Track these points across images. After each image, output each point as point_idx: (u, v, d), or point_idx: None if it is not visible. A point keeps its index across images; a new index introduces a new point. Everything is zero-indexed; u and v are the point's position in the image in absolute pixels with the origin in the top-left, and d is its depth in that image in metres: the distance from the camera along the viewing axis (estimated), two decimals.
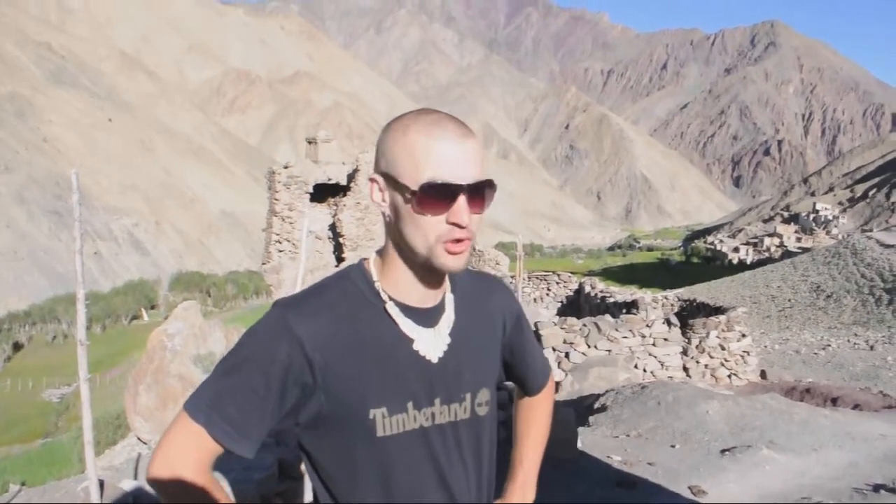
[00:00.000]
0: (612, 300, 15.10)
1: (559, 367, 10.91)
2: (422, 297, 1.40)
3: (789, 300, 36.51)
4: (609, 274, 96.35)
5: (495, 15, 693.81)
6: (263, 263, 27.26)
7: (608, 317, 12.00)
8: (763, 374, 12.58)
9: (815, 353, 17.54)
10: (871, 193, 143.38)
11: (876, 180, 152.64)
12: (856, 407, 10.19)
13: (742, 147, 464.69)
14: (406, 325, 1.37)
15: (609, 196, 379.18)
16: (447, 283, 1.47)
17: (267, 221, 26.71)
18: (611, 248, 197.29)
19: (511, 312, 1.61)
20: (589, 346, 11.12)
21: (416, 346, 1.37)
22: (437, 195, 1.28)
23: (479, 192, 1.32)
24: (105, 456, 12.79)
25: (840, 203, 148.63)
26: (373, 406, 1.31)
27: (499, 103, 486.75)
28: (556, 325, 11.34)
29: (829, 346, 18.93)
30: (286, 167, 26.54)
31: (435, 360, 1.39)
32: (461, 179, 1.28)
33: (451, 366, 1.42)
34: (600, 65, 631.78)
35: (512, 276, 17.90)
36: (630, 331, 11.32)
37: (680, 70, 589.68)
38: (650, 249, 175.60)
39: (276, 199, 25.84)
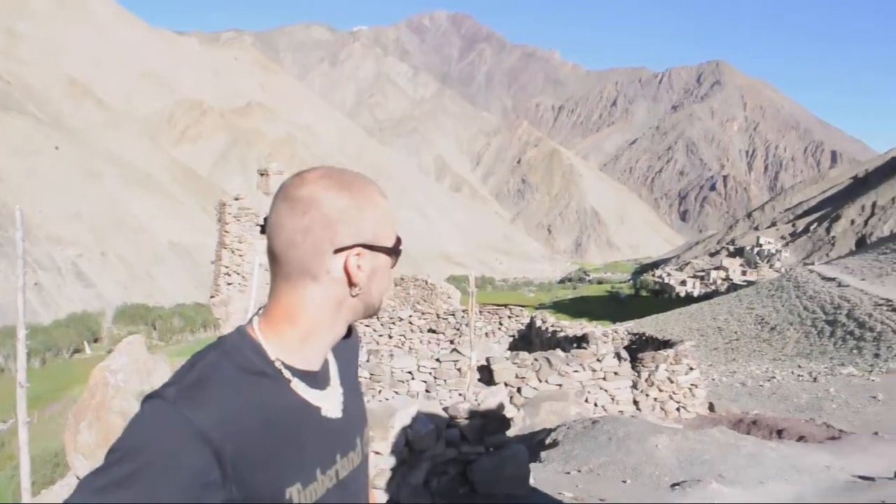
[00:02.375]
0: (562, 334, 15.19)
1: (511, 402, 10.90)
2: (320, 358, 1.37)
3: (735, 332, 37.19)
4: (560, 307, 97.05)
5: (449, 50, 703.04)
6: (212, 296, 26.74)
7: (559, 351, 12.05)
8: (711, 407, 12.73)
9: (761, 385, 17.84)
10: (811, 228, 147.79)
11: (816, 215, 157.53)
12: (801, 439, 10.36)
13: (689, 182, 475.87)
14: (313, 397, 1.33)
15: (560, 229, 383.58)
16: None
17: (216, 253, 26.29)
18: (561, 281, 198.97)
19: (358, 348, 1.61)
20: (540, 381, 11.14)
21: (323, 413, 1.34)
22: (396, 253, 1.36)
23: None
24: (42, 496, 12.33)
25: (783, 237, 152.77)
26: (288, 485, 1.24)
27: (452, 137, 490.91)
28: (508, 359, 11.35)
29: (774, 377, 19.29)
30: (237, 199, 26.20)
31: (339, 414, 1.38)
32: None
33: (347, 416, 1.41)
34: (552, 100, 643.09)
35: (464, 310, 17.91)
36: (581, 365, 11.38)
37: (629, 107, 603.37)
38: (600, 282, 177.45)
39: (226, 231, 25.48)
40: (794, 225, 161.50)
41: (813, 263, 78.43)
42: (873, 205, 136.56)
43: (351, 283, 1.30)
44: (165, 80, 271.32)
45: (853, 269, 45.87)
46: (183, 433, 1.12)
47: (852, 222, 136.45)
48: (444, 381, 11.42)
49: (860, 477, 7.53)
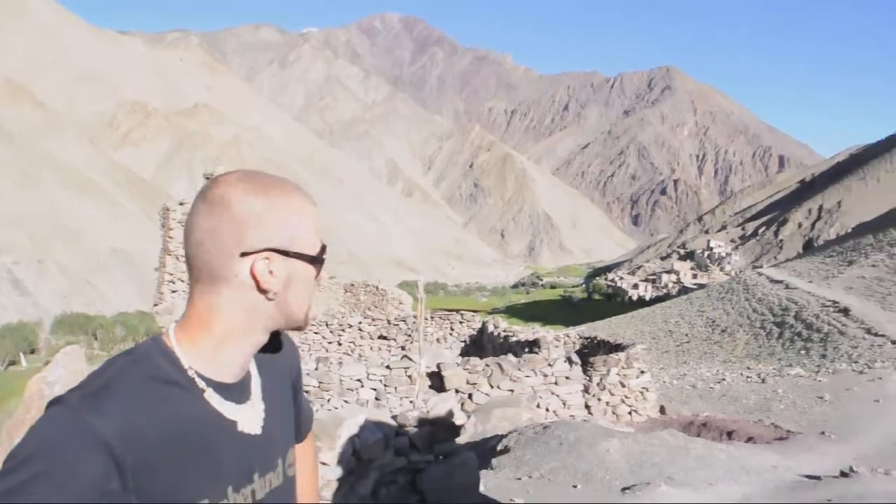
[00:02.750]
0: (514, 339, 15.23)
1: (462, 408, 10.87)
2: (238, 370, 1.33)
3: (686, 335, 37.84)
4: (513, 311, 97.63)
5: (400, 53, 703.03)
6: (155, 304, 26.25)
7: (511, 356, 12.07)
8: (662, 410, 12.89)
9: (711, 388, 18.14)
10: (760, 231, 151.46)
11: (765, 219, 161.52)
12: (749, 440, 10.56)
13: (640, 186, 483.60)
14: (227, 410, 1.29)
15: (512, 234, 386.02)
16: None
17: (160, 260, 25.81)
18: (514, 286, 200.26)
19: (296, 364, 1.58)
20: (492, 387, 11.14)
21: (239, 428, 1.30)
22: (321, 260, 1.31)
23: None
24: None
25: (732, 240, 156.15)
26: (195, 500, 1.20)
27: (403, 141, 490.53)
28: (459, 365, 11.33)
29: (724, 379, 19.63)
30: (182, 203, 25.78)
31: (258, 431, 1.34)
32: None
33: (268, 435, 1.36)
34: (504, 104, 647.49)
35: (415, 316, 17.84)
36: (532, 370, 11.41)
37: (581, 111, 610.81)
38: (553, 287, 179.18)
39: (170, 237, 25.02)
40: (743, 228, 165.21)
41: (762, 266, 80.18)
42: (820, 208, 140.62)
43: (260, 289, 1.26)
44: (107, 82, 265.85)
45: (801, 272, 47.04)
46: (83, 440, 1.09)
47: (800, 226, 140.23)
48: (395, 388, 11.35)
49: (807, 476, 7.69)
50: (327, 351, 16.79)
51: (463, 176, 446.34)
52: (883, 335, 24.43)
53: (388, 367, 11.60)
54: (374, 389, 11.29)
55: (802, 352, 26.13)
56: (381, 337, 17.02)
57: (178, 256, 25.44)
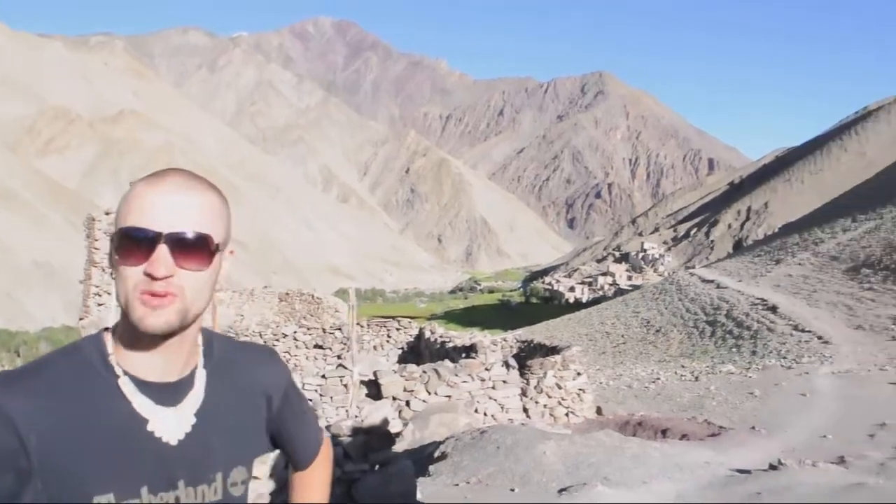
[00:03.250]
0: (451, 345, 15.25)
1: (400, 415, 10.84)
2: (161, 370, 1.30)
3: (622, 336, 38.52)
4: (451, 317, 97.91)
5: (334, 57, 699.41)
6: (81, 318, 25.42)
7: (448, 362, 12.09)
8: (599, 411, 13.08)
9: (646, 387, 18.51)
10: (692, 233, 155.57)
11: (696, 220, 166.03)
12: (683, 437, 10.79)
13: (575, 190, 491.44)
14: (141, 404, 1.27)
15: (450, 239, 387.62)
16: (199, 357, 1.39)
17: (85, 272, 25.02)
18: (452, 291, 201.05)
19: (278, 387, 1.53)
20: (429, 393, 11.13)
21: (150, 427, 1.27)
22: (132, 242, 1.22)
23: (195, 246, 1.24)
24: None
25: (665, 242, 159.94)
26: (97, 493, 1.19)
27: (338, 146, 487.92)
28: (395, 372, 11.29)
29: (659, 378, 20.06)
30: (108, 213, 25.06)
31: (174, 441, 1.30)
32: (160, 227, 1.21)
33: (197, 446, 1.32)
34: (439, 110, 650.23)
35: (357, 323, 17.74)
36: (469, 375, 11.44)
37: (516, 116, 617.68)
38: (491, 291, 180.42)
39: (96, 248, 24.25)
40: (675, 230, 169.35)
41: (694, 267, 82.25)
42: (748, 209, 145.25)
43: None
44: (27, 87, 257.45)
45: (731, 271, 48.39)
46: None
47: (729, 226, 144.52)
48: (331, 397, 11.25)
49: (738, 471, 7.90)
50: None
51: (399, 182, 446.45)
52: (809, 331, 25.31)
53: (323, 376, 11.49)
54: (310, 400, 11.17)
55: (734, 349, 26.89)
56: (317, 346, 16.84)
57: (104, 268, 24.72)
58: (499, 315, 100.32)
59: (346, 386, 11.06)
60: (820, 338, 23.85)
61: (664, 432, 11.26)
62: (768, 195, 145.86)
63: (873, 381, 15.42)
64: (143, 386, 1.28)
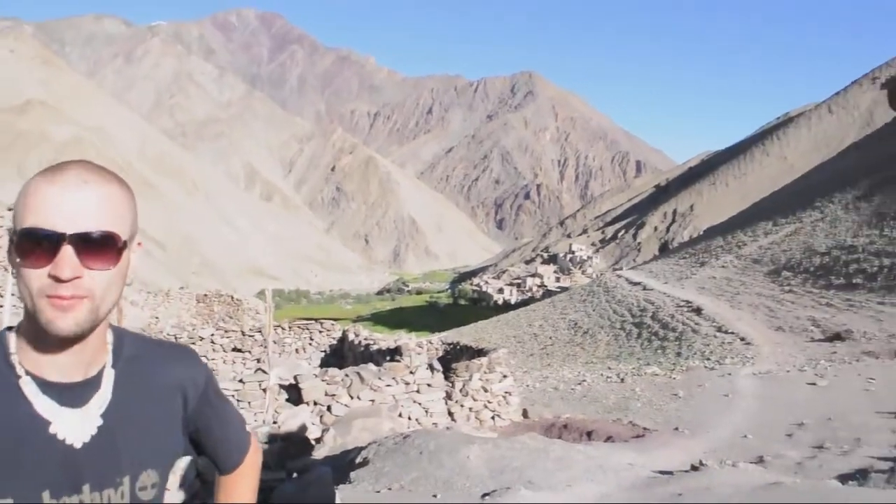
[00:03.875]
0: (376, 347, 15.19)
1: (321, 421, 10.70)
2: (64, 370, 1.27)
3: (550, 338, 38.99)
4: (378, 319, 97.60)
5: (258, 50, 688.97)
6: None
7: (371, 365, 12.01)
8: (525, 413, 13.19)
9: (573, 389, 18.76)
10: (620, 234, 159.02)
11: (624, 222, 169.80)
12: (608, 439, 10.96)
13: (504, 191, 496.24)
14: (42, 405, 1.24)
15: (377, 239, 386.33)
16: (108, 356, 1.36)
17: None
18: (380, 293, 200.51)
19: (195, 385, 1.49)
20: (352, 398, 11.03)
21: (52, 430, 1.24)
22: (34, 244, 1.18)
23: (102, 245, 1.21)
24: None
25: (593, 244, 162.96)
26: None
27: (262, 142, 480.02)
28: (317, 377, 11.15)
29: (585, 380, 20.36)
30: (10, 209, 24.07)
31: (78, 444, 1.27)
32: (64, 228, 1.17)
33: (103, 449, 1.30)
34: (367, 106, 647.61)
35: (276, 326, 17.44)
36: (393, 378, 11.39)
37: (445, 115, 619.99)
38: (419, 292, 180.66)
39: None
40: (603, 232, 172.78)
41: (621, 269, 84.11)
42: (674, 212, 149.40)
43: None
44: None
45: (657, 273, 49.57)
46: None
47: (655, 229, 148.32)
48: (249, 403, 11.04)
49: (660, 472, 8.06)
50: None
51: (325, 180, 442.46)
52: (732, 332, 26.12)
53: (241, 381, 11.27)
54: None
55: (659, 351, 27.52)
56: (236, 349, 16.52)
57: (5, 267, 23.72)
58: (427, 317, 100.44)
59: (264, 391, 10.87)
60: (742, 339, 24.63)
61: (589, 434, 11.42)
62: (694, 198, 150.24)
63: (792, 381, 15.98)
64: (46, 387, 1.25)
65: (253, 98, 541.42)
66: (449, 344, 15.78)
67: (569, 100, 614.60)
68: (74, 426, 1.27)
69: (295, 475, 6.13)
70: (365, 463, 8.75)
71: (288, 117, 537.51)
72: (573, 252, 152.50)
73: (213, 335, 16.52)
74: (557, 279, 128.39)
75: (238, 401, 11.07)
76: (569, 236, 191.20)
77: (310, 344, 17.69)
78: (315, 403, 10.92)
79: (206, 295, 25.55)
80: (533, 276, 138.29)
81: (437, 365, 12.03)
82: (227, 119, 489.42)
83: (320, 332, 17.96)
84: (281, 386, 10.96)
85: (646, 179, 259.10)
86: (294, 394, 11.00)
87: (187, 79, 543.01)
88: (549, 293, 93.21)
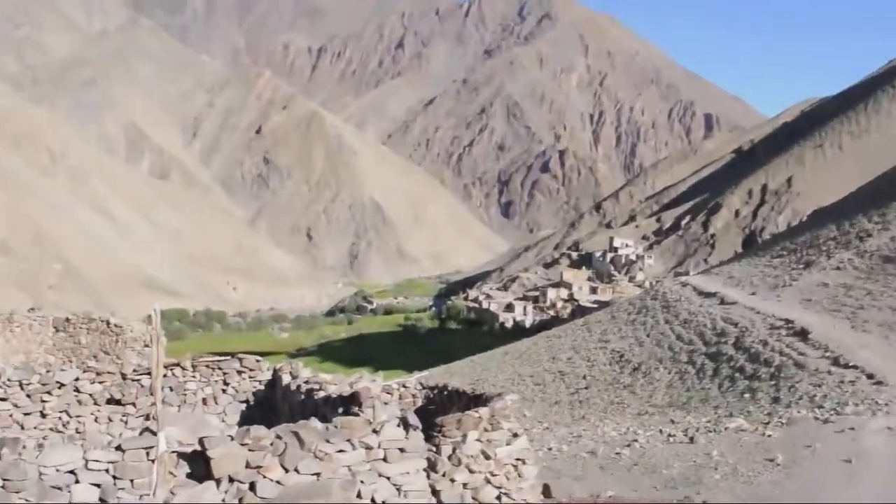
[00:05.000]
0: (323, 395, 15.04)
1: None
2: None
3: (584, 378, 38.94)
4: (327, 352, 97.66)
5: None
6: None
7: (316, 421, 11.84)
8: (546, 491, 13.04)
9: (618, 454, 18.66)
10: (683, 223, 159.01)
11: (689, 205, 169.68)
12: None
13: (511, 160, 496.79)
14: None
15: (325, 234, 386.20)
16: None
17: None
18: (330, 313, 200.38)
19: None
20: (287, 470, 10.85)
21: None
22: None
23: None
24: None
25: (645, 237, 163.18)
26: None
27: (152, 93, 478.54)
28: (234, 440, 10.97)
29: (637, 440, 20.27)
30: None
31: None
32: None
33: None
34: (307, 40, 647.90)
35: (174, 364, 17.25)
36: (349, 441, 11.21)
37: (422, 50, 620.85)
38: (389, 312, 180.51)
39: None
40: (659, 220, 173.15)
41: (687, 273, 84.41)
42: (763, 189, 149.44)
43: None
44: None
45: (740, 280, 49.66)
46: None
47: (737, 214, 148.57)
48: (132, 480, 10.86)
49: None
50: (22, 427, 15.93)
51: (246, 148, 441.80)
52: (855, 366, 25.96)
53: (120, 448, 11.09)
54: (98, 485, 10.74)
55: (746, 395, 27.44)
56: (114, 401, 16.35)
57: None
58: (399, 348, 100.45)
59: (153, 461, 10.70)
60: (870, 376, 24.50)
61: None
62: (792, 168, 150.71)
63: None
64: None
65: (139, 28, 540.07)
66: (432, 388, 15.64)
67: (603, 26, 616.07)
68: None
69: None
70: None
71: (191, 56, 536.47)
72: (616, 249, 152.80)
73: (78, 380, 16.34)
74: (593, 290, 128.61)
75: (115, 477, 10.89)
76: (608, 226, 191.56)
77: (224, 391, 17.55)
78: (231, 480, 10.75)
79: (68, 319, 25.35)
80: (557, 285, 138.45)
81: (415, 419, 11.87)
82: (99, 60, 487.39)
83: (240, 372, 17.81)
84: (179, 455, 10.79)
85: (720, 141, 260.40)
86: (199, 466, 10.83)
87: (42, 3, 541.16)
88: (581, 310, 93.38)
